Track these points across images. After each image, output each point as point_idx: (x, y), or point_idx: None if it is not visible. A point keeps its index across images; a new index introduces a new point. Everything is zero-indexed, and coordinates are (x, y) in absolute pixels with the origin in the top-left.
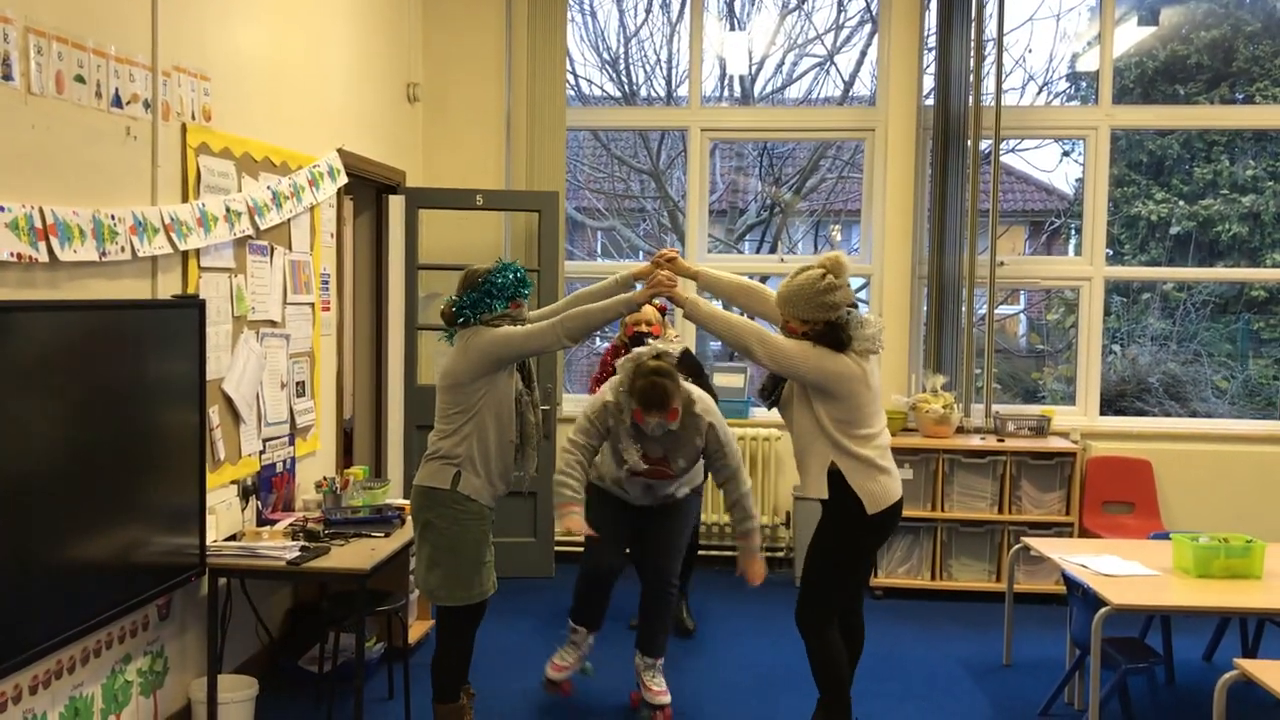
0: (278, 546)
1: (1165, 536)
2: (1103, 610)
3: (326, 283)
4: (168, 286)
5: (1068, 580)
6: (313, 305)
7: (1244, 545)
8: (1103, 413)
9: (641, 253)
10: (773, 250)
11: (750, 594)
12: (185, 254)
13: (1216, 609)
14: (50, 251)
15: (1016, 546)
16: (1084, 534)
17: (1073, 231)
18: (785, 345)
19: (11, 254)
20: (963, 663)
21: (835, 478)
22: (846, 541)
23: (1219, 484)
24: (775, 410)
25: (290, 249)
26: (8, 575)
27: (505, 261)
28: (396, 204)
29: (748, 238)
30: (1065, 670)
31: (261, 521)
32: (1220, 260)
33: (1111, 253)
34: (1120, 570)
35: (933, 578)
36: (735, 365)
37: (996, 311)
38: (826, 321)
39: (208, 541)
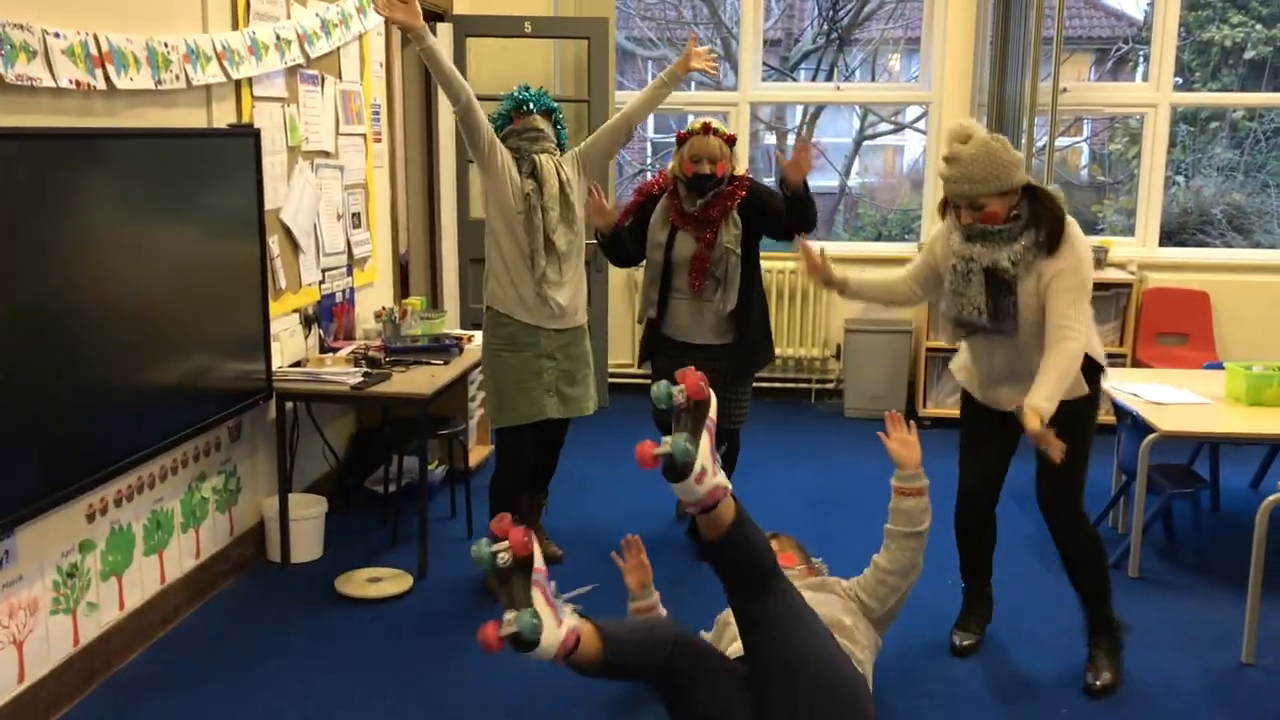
0: (341, 372)
1: (1219, 367)
2: (1151, 436)
3: (377, 114)
4: (222, 115)
5: (1117, 408)
6: (364, 136)
7: None
8: (1162, 244)
9: (694, 83)
10: (829, 78)
11: (801, 425)
12: (238, 83)
13: (1265, 436)
14: (107, 79)
15: None
16: (1137, 365)
17: (1140, 59)
18: (1083, 311)
19: (71, 81)
20: (1008, 487)
21: (1088, 364)
22: (1095, 414)
23: (1277, 314)
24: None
25: (340, 79)
26: (87, 397)
27: (515, 89)
28: (444, 32)
29: (803, 66)
30: (1110, 495)
31: (324, 349)
32: None
33: (1181, 81)
34: (1171, 398)
35: None
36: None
37: (1058, 143)
38: (1026, 186)
39: (273, 367)
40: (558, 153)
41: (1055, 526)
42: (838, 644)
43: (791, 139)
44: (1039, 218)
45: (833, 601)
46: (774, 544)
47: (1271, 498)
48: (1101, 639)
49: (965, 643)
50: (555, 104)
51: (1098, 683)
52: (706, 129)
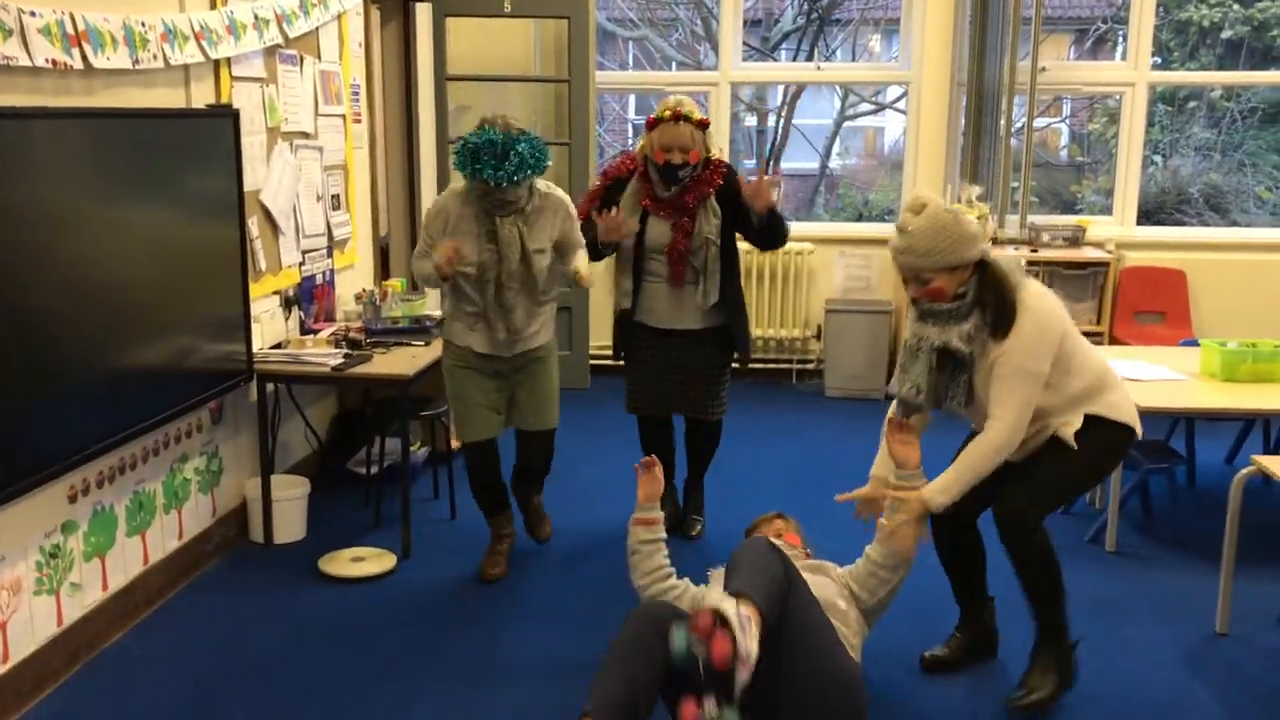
0: (322, 353)
1: (1195, 344)
2: None
3: (357, 94)
4: (201, 96)
5: None
6: (344, 117)
7: (1272, 349)
8: (1140, 224)
9: (674, 64)
10: (809, 58)
11: (782, 405)
12: (216, 63)
13: (1239, 410)
14: (84, 58)
15: None
16: (1114, 343)
17: (1120, 39)
18: (1017, 396)
19: (47, 60)
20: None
21: (1093, 422)
22: (1102, 468)
23: (1252, 293)
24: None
25: (319, 59)
26: (67, 378)
27: (485, 128)
28: (424, 12)
29: (783, 46)
30: None
31: (304, 331)
32: (1275, 66)
33: (1159, 61)
34: (1147, 375)
35: None
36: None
37: (1037, 123)
38: (979, 263)
39: (254, 349)
40: (530, 202)
41: (1005, 537)
42: (836, 634)
43: (757, 165)
44: (984, 300)
45: (828, 585)
46: (779, 523)
47: (1244, 471)
48: (1046, 651)
49: (931, 653)
50: (536, 164)
51: (1024, 699)
52: (677, 116)
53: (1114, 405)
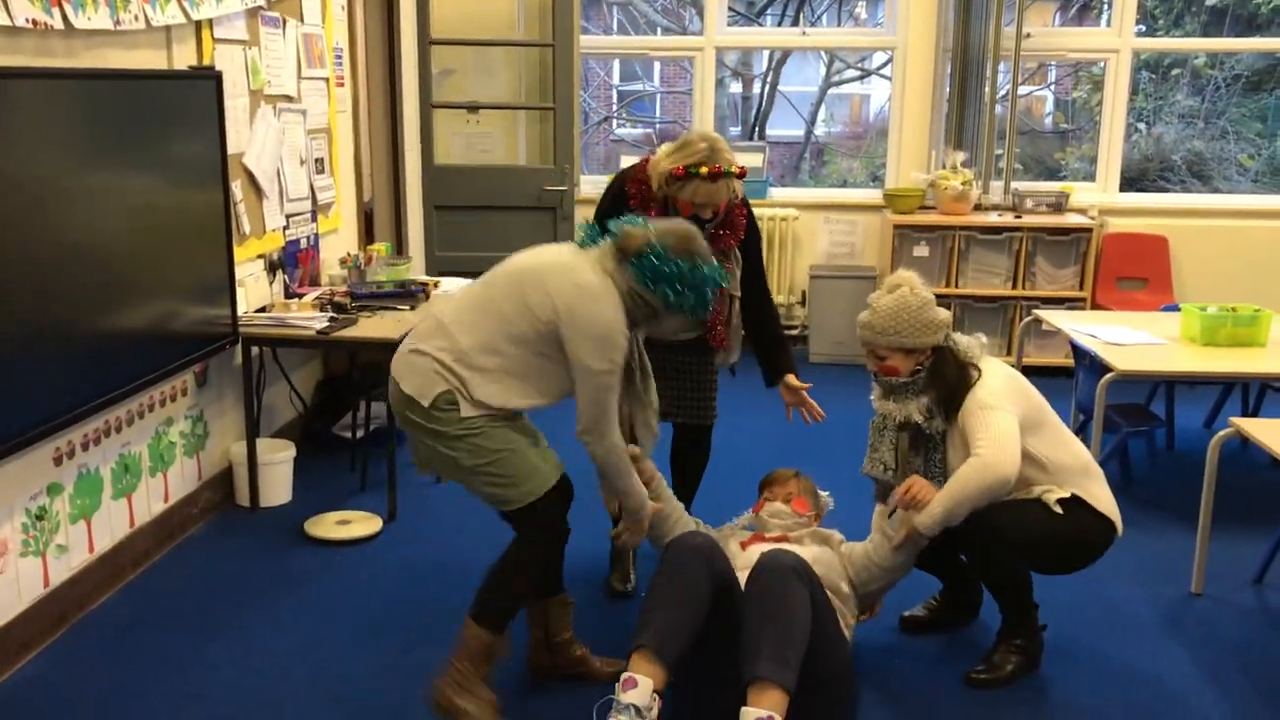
0: (307, 317)
1: (1176, 309)
2: (1108, 375)
3: (340, 57)
4: (183, 58)
5: (1076, 349)
6: (327, 80)
7: (1251, 314)
8: (1123, 190)
9: (659, 29)
10: (795, 23)
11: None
12: (198, 25)
13: (1218, 374)
14: (65, 18)
15: (1028, 319)
16: (1097, 309)
17: (1104, 5)
18: (989, 425)
19: (27, 20)
20: None
21: (1077, 502)
22: (1069, 551)
23: (1234, 259)
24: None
25: (302, 21)
26: (51, 341)
27: (703, 264)
28: None
29: (769, 11)
30: None
31: (289, 295)
32: (1259, 34)
33: (1144, 28)
34: (1128, 339)
35: None
36: (753, 144)
37: (1021, 89)
38: (935, 348)
39: (238, 313)
40: None
41: (970, 555)
42: (836, 621)
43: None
44: (934, 383)
45: (834, 565)
46: (793, 484)
47: (1222, 433)
48: (1013, 633)
49: (910, 613)
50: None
51: (984, 675)
52: (715, 174)
53: (1097, 496)
